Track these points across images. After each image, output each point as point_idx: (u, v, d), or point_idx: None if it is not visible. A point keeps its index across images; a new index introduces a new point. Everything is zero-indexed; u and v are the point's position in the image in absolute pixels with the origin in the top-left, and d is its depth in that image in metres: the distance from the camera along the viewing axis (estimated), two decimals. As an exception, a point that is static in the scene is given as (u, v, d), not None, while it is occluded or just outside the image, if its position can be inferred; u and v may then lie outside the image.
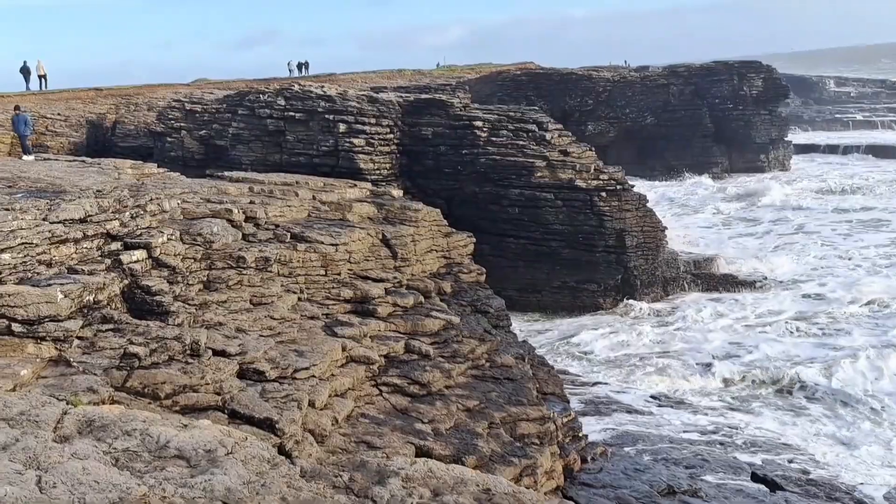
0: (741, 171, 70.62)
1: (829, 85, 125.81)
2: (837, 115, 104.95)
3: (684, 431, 22.15)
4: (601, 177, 34.77)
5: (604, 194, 34.59)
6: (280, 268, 15.15)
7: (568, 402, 18.86)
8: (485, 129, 35.48)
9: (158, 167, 21.10)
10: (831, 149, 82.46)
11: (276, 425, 10.17)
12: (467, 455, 12.07)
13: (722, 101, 71.58)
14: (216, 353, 11.44)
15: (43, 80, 52.61)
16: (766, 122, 72.59)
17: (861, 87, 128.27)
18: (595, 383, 26.10)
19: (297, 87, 36.92)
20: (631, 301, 34.59)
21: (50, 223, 11.83)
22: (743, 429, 22.58)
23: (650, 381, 26.38)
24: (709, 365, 27.67)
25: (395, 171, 35.71)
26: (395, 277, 17.27)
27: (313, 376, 12.24)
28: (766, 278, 37.89)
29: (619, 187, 35.04)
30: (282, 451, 10.09)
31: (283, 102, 36.11)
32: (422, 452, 11.88)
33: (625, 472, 16.21)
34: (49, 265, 11.13)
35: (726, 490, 16.71)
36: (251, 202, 17.20)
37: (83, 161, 20.04)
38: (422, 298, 16.98)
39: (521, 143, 35.16)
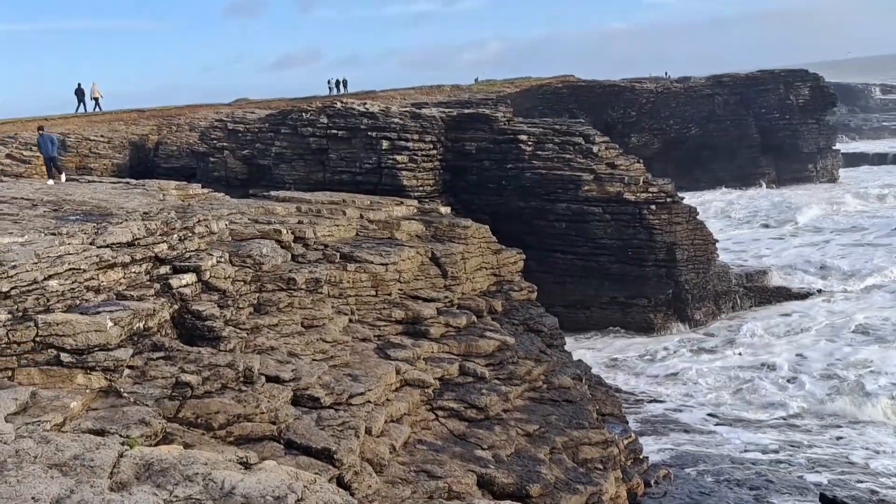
0: (789, 182, 69.29)
1: (875, 92, 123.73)
2: (885, 123, 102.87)
3: (745, 451, 21.37)
4: (650, 189, 34.00)
5: (653, 207, 33.81)
6: (330, 289, 14.78)
7: (626, 422, 18.23)
8: (530, 143, 34.93)
9: (203, 188, 20.91)
10: (880, 158, 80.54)
11: (335, 455, 9.73)
12: (531, 483, 11.53)
13: (768, 111, 70.33)
14: (269, 379, 11.05)
15: (97, 102, 53.11)
16: (813, 131, 71.19)
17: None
18: (651, 400, 25.39)
19: (339, 105, 36.72)
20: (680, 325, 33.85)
21: (97, 247, 11.54)
22: (806, 447, 21.74)
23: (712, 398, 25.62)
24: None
25: (439, 187, 35.28)
26: (445, 297, 16.82)
27: (369, 402, 11.80)
28: (820, 290, 36.87)
29: (668, 199, 34.23)
30: (340, 482, 9.65)
31: (325, 120, 35.90)
32: (484, 481, 11.39)
33: (690, 495, 15.57)
34: (97, 291, 10.83)
35: (794, 513, 16.03)
36: (299, 222, 16.88)
37: (128, 183, 19.89)
38: (474, 318, 16.51)
39: (567, 156, 34.55)
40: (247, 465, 5.77)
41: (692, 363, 29.43)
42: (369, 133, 34.67)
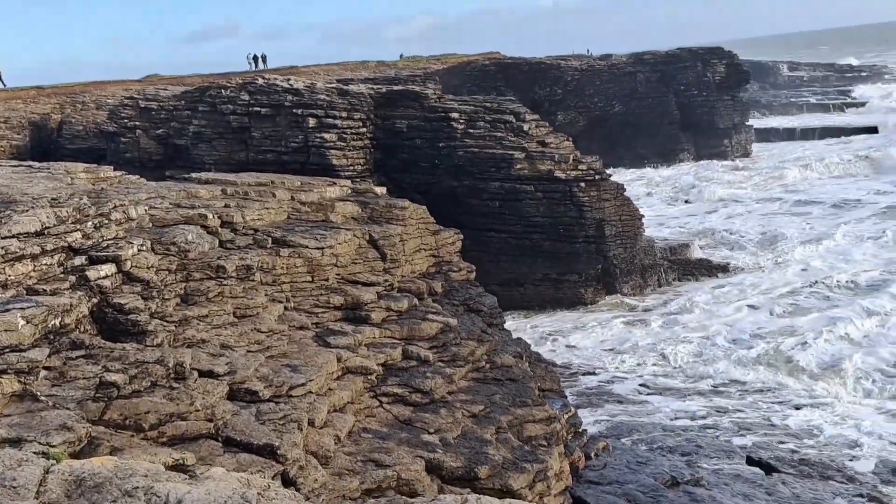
0: (706, 157, 70.65)
1: (783, 70, 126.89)
2: (793, 100, 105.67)
3: (675, 418, 21.75)
4: (580, 167, 34.10)
5: (583, 184, 33.93)
6: (263, 276, 14.13)
7: (566, 397, 18.12)
8: (461, 121, 34.55)
9: (115, 170, 19.75)
10: (789, 133, 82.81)
11: (278, 451, 9.22)
12: (479, 465, 11.24)
13: (687, 88, 71.50)
14: (202, 374, 10.43)
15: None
16: (728, 107, 72.73)
17: (812, 72, 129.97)
18: (586, 373, 25.51)
19: (261, 81, 35.58)
20: (616, 296, 34.17)
21: (1, 238, 10.59)
22: (732, 412, 22.18)
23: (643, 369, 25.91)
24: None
25: (370, 166, 34.64)
26: (385, 280, 16.33)
27: (310, 392, 11.29)
28: (737, 265, 37.69)
29: (597, 177, 34.41)
30: (285, 478, 9.15)
31: (247, 97, 34.69)
32: (432, 466, 11.04)
33: (628, 465, 15.57)
34: (4, 287, 9.95)
35: (724, 476, 16.28)
36: (226, 205, 16.13)
37: (30, 166, 18.49)
38: (415, 301, 16.08)
39: (498, 134, 34.31)
40: (191, 474, 5.23)
41: (623, 335, 29.71)
42: (295, 110, 33.70)
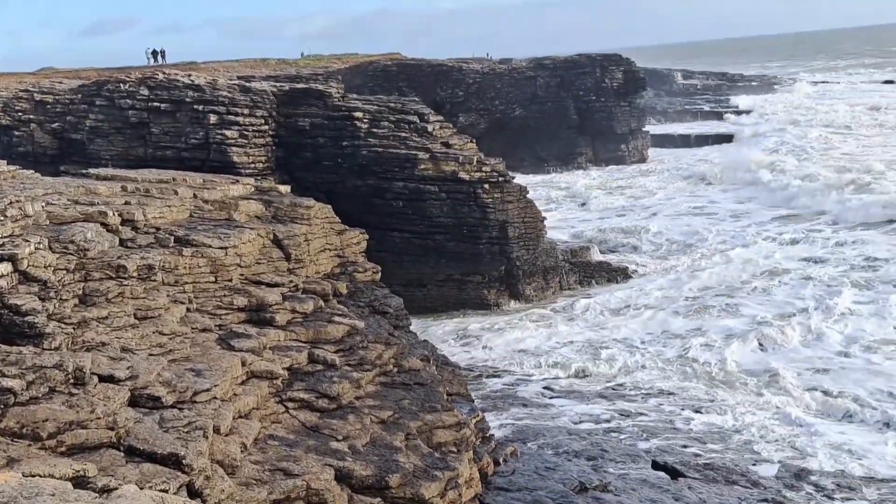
0: (604, 162, 72.43)
1: (678, 77, 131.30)
2: (687, 107, 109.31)
3: (580, 422, 22.01)
4: (483, 169, 34.36)
5: (486, 186, 34.23)
6: (165, 276, 13.67)
7: (473, 401, 18.17)
8: (365, 121, 34.34)
9: (7, 164, 18.77)
10: (684, 139, 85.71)
11: (183, 461, 8.88)
12: (390, 474, 11.10)
13: (585, 93, 73.01)
14: (103, 378, 9.99)
15: None
16: (625, 113, 74.68)
17: (705, 80, 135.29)
18: (490, 376, 25.66)
19: (161, 76, 34.55)
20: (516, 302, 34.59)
21: None
22: (636, 415, 22.62)
23: (548, 372, 26.22)
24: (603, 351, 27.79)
25: (271, 164, 34.06)
26: (290, 281, 16.03)
27: (215, 398, 10.95)
28: (636, 267, 38.67)
29: (500, 179, 34.75)
30: (191, 489, 8.83)
31: (146, 92, 33.64)
32: (342, 475, 10.85)
33: (537, 471, 15.67)
34: None
35: (630, 481, 16.47)
36: (126, 203, 15.54)
37: (-85, 162, 17.45)
38: (321, 303, 15.82)
39: (403, 134, 34.25)
40: (94, 487, 4.95)
41: (527, 338, 30.05)
42: (195, 106, 32.86)
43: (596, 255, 39.56)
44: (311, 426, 12.17)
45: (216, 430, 10.30)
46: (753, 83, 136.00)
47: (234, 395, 11.59)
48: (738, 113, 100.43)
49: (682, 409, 22.70)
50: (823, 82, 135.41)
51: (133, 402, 10.05)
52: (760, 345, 27.40)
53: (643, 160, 73.95)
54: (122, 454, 8.86)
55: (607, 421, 21.81)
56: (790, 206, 48.56)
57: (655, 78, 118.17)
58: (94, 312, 11.64)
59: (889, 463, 18.51)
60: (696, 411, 22.07)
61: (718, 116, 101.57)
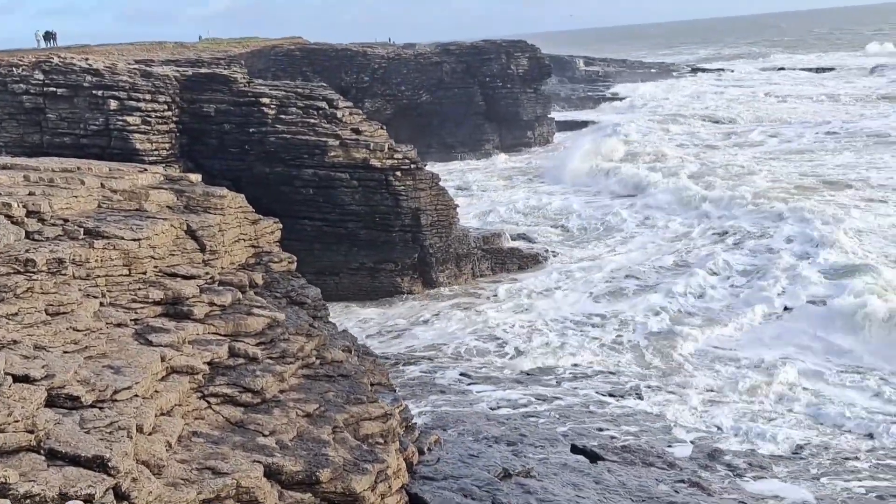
0: (511, 148, 73.21)
1: (580, 64, 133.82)
2: (589, 94, 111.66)
3: (498, 407, 22.23)
4: (395, 156, 34.27)
5: (398, 173, 34.14)
6: (76, 269, 13.05)
7: (395, 390, 18.08)
8: (272, 107, 33.71)
9: None
10: (584, 125, 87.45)
11: (109, 463, 8.54)
12: (320, 468, 10.94)
13: (492, 80, 73.54)
14: (17, 379, 9.47)
15: None
16: (532, 99, 75.70)
17: (606, 67, 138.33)
18: (406, 363, 25.67)
19: (57, 60, 33.05)
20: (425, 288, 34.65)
21: None
22: (551, 399, 23.01)
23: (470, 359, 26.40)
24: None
25: (175, 151, 33.12)
26: (206, 273, 15.58)
27: (136, 396, 10.53)
28: (548, 251, 39.28)
29: (412, 166, 34.69)
30: (118, 492, 8.49)
31: (41, 77, 32.14)
32: (271, 471, 10.63)
33: (461, 459, 15.74)
34: None
35: (551, 465, 16.71)
36: (31, 193, 14.77)
37: None
38: (239, 294, 15.43)
39: (311, 121, 33.80)
40: (25, 496, 4.66)
41: (442, 325, 30.20)
42: (94, 92, 31.61)
43: (507, 242, 39.97)
44: (236, 422, 11.87)
45: (139, 430, 9.92)
46: (652, 70, 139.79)
47: (156, 392, 11.18)
48: (615, 100, 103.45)
49: (597, 393, 23.23)
50: (720, 70, 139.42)
51: (50, 403, 9.58)
52: (672, 323, 28.35)
53: (548, 144, 75.17)
54: (43, 458, 8.45)
55: (524, 406, 22.11)
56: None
57: (559, 65, 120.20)
58: (4, 309, 11.03)
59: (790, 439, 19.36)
60: (611, 395, 22.59)
61: (599, 102, 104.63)
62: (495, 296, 33.01)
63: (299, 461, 10.99)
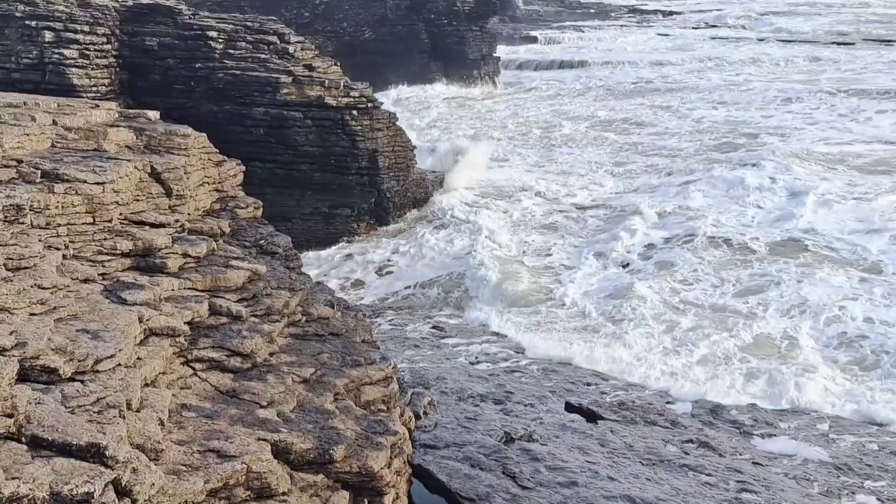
0: (456, 87, 71.68)
1: (520, 3, 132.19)
2: (530, 33, 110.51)
3: (478, 362, 21.30)
4: (352, 94, 32.58)
5: (355, 112, 32.54)
6: (34, 217, 11.43)
7: (378, 348, 16.88)
8: (220, 41, 31.61)
9: None
10: (528, 64, 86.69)
11: (106, 452, 7.20)
12: (334, 445, 9.76)
13: (437, 17, 71.61)
14: (-17, 351, 8.00)
15: None
16: (477, 38, 74.03)
17: (545, 6, 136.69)
18: (375, 315, 24.49)
19: (-16, -14, 30.21)
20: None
21: None
22: (530, 351, 22.18)
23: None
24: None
25: (115, 87, 30.84)
26: (176, 220, 14.00)
27: (119, 365, 9.14)
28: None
29: (369, 105, 33.05)
30: (118, 487, 7.18)
31: (-33, 6, 29.40)
32: (279, 450, 9.41)
33: (459, 423, 14.79)
34: None
35: (549, 426, 15.79)
36: (-26, 130, 12.95)
37: None
38: (214, 244, 13.93)
39: (262, 56, 31.84)
40: (11, 499, 3.39)
41: (403, 273, 29.03)
42: (27, 22, 29.06)
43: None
44: (227, 391, 10.56)
45: (128, 406, 8.57)
46: (591, 10, 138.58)
47: (138, 359, 9.79)
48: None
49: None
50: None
51: (23, 377, 8.15)
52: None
53: (495, 85, 73.90)
54: (25, 447, 7.08)
55: (504, 360, 21.18)
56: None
57: (499, 3, 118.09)
58: (-44, 266, 9.45)
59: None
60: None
61: (558, 41, 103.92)
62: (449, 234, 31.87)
63: (308, 437, 9.77)
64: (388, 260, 29.67)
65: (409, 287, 26.89)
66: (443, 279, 27.46)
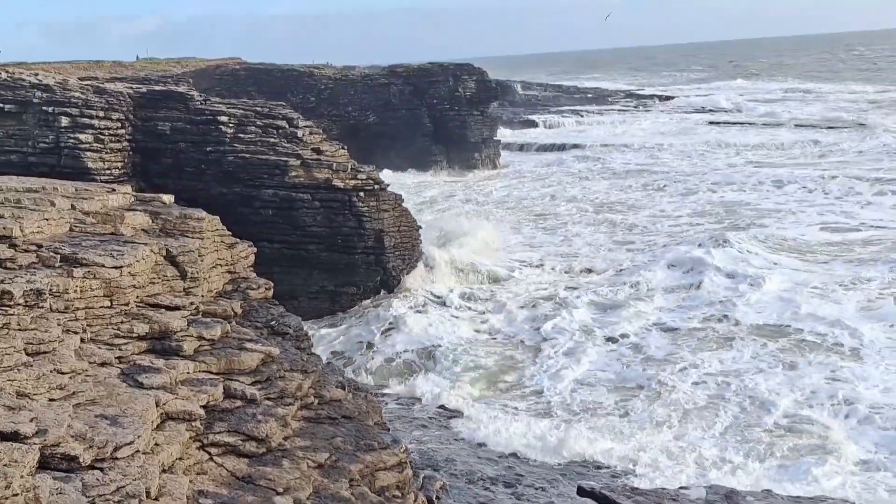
0: (458, 169, 72.81)
1: (518, 89, 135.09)
2: (528, 117, 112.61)
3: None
4: (359, 176, 33.05)
5: (362, 194, 32.93)
6: (54, 301, 11.53)
7: (389, 430, 16.76)
8: (231, 125, 32.23)
9: None
10: (527, 147, 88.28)
11: (132, 546, 7.11)
12: (354, 533, 9.61)
13: (439, 102, 73.22)
14: (5, 437, 7.98)
15: None
16: (478, 122, 75.54)
17: (543, 91, 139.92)
18: (378, 395, 24.31)
19: (4, 75, 31.03)
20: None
21: None
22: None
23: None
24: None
25: (128, 170, 31.34)
26: (190, 303, 14.10)
27: (138, 452, 9.09)
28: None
29: (376, 187, 33.52)
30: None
31: (-13, 92, 30.16)
32: (299, 538, 9.28)
33: (473, 508, 14.58)
34: None
35: (564, 510, 15.70)
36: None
37: None
38: (227, 326, 14.00)
39: (271, 140, 32.41)
40: None
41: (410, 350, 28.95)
42: (44, 108, 29.78)
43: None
44: (243, 476, 10.48)
45: (147, 494, 8.51)
46: (589, 95, 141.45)
47: (156, 444, 9.75)
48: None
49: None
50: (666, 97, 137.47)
51: (43, 464, 8.11)
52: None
53: (495, 167, 75.10)
54: (48, 541, 7.01)
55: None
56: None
57: (500, 89, 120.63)
58: (-23, 351, 9.49)
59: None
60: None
61: (557, 125, 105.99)
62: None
63: (326, 524, 9.68)
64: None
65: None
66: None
